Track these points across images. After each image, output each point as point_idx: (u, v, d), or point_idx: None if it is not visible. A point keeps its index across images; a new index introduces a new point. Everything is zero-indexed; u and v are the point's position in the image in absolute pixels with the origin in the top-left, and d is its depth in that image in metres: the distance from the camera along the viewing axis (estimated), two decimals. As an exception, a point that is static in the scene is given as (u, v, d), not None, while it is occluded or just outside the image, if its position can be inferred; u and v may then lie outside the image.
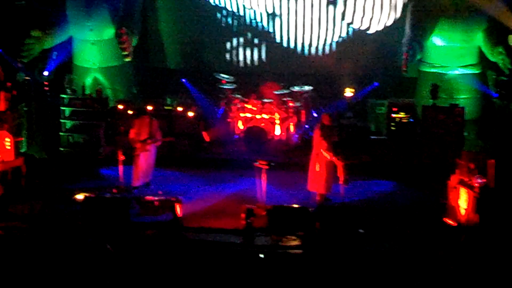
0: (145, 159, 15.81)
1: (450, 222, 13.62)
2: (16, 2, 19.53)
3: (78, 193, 15.27)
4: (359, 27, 20.40)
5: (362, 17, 20.35)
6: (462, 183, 13.54)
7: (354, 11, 20.30)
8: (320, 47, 20.73)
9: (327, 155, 14.84)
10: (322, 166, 14.97)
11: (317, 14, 20.48)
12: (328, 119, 15.19)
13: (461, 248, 12.69)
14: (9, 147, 15.73)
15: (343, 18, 20.39)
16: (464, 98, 19.10)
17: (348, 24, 20.42)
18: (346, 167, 14.84)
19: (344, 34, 20.53)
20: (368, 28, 20.38)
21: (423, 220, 14.10)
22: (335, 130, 15.46)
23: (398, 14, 20.20)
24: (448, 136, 17.62)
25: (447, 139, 17.59)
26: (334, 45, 20.68)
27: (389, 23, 20.31)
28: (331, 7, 20.36)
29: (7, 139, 15.71)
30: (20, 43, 19.02)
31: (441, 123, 17.70)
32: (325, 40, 20.62)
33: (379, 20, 20.31)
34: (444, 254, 12.42)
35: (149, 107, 17.35)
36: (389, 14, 20.27)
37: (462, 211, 13.39)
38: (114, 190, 15.50)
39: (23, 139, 18.06)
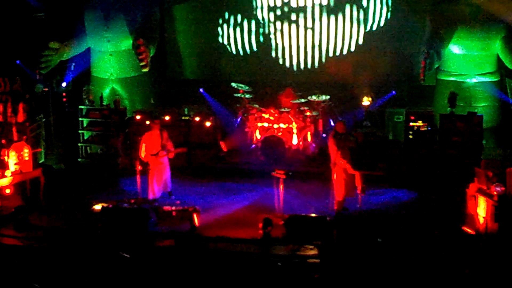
0: (159, 172, 15.79)
1: (469, 230, 13.54)
2: (35, 14, 19.64)
3: (96, 203, 15.30)
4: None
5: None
6: (481, 191, 13.45)
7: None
8: (337, 54, 20.69)
9: (342, 163, 14.82)
10: (339, 174, 14.93)
11: (333, 22, 20.48)
12: (342, 127, 15.16)
13: (480, 256, 12.60)
14: (27, 158, 15.80)
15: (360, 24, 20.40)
16: (482, 106, 19.03)
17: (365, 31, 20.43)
18: (364, 175, 14.81)
19: (360, 42, 20.48)
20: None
21: (441, 228, 14.02)
22: (350, 137, 15.36)
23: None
24: (466, 144, 17.52)
25: (466, 148, 17.49)
26: (351, 53, 20.64)
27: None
28: (347, 13, 20.35)
29: (26, 150, 15.78)
30: (39, 55, 19.17)
31: (459, 132, 17.60)
32: (342, 48, 20.59)
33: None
34: (461, 263, 12.33)
35: (167, 117, 17.39)
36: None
37: (481, 220, 13.30)
38: (132, 201, 15.51)
39: (41, 150, 18.18)
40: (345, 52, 20.67)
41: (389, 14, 20.31)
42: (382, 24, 20.39)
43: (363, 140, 16.44)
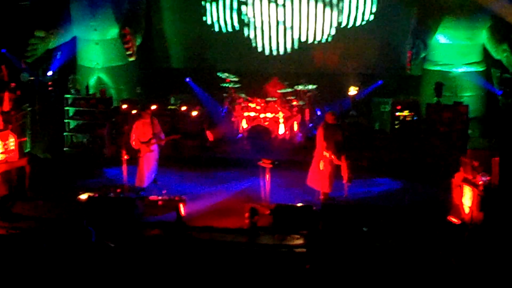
0: (148, 160, 15.78)
1: (454, 220, 13.59)
2: (20, 2, 19.53)
3: (82, 193, 15.28)
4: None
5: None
6: (467, 181, 13.51)
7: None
8: (320, 40, 20.66)
9: (327, 154, 14.84)
10: (326, 165, 14.95)
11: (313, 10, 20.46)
12: (332, 118, 15.17)
13: (465, 246, 12.65)
14: (13, 147, 15.73)
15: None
16: (468, 96, 19.09)
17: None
18: (350, 165, 14.84)
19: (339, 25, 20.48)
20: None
21: (427, 218, 14.06)
22: (339, 129, 15.37)
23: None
24: (452, 134, 17.57)
25: (452, 137, 17.54)
26: (338, 42, 20.62)
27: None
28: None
29: (11, 139, 15.70)
30: (24, 43, 19.06)
31: (445, 121, 17.65)
32: (324, 33, 20.56)
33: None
34: (447, 252, 12.39)
35: (153, 107, 17.35)
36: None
37: (466, 209, 13.36)
38: (118, 190, 15.49)
39: (27, 139, 18.09)
40: (324, 38, 20.60)
41: (373, 6, 20.28)
42: (367, 15, 20.37)
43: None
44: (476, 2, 18.88)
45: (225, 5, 20.95)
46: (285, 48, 20.78)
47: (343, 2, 20.29)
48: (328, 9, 20.36)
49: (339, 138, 15.16)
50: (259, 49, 20.97)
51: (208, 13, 21.11)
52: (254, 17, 20.77)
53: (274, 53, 20.92)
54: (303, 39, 20.65)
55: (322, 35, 20.55)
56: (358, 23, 20.36)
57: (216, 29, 21.10)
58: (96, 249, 11.92)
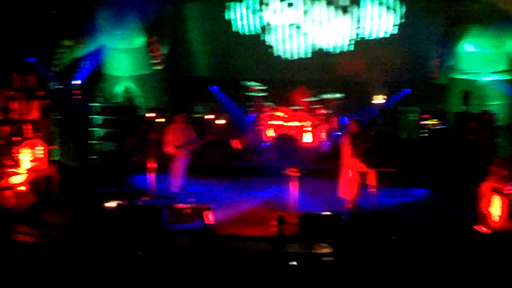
0: (182, 165, 15.80)
1: (483, 229, 13.50)
2: (48, 11, 19.69)
3: (110, 201, 15.34)
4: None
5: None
6: (495, 190, 13.41)
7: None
8: (346, 49, 20.68)
9: (354, 163, 14.80)
10: (354, 173, 14.92)
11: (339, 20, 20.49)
12: (355, 126, 15.14)
13: (494, 255, 12.56)
14: (42, 155, 15.85)
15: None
16: (496, 104, 19.02)
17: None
18: (377, 174, 14.80)
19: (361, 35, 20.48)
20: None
21: (454, 227, 13.99)
22: (365, 136, 15.33)
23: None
24: (480, 142, 17.48)
25: (479, 146, 17.45)
26: (364, 51, 20.62)
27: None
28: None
29: (40, 148, 15.83)
30: (52, 52, 19.22)
31: (473, 130, 17.57)
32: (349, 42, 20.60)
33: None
34: (476, 262, 12.31)
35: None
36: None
37: (495, 218, 13.27)
38: (145, 198, 15.54)
39: (56, 147, 18.22)
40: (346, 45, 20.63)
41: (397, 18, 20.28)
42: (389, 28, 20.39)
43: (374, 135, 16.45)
44: (502, 10, 18.80)
45: (248, 9, 20.99)
46: (306, 54, 20.80)
47: (361, 11, 20.27)
48: (348, 17, 20.37)
49: (365, 146, 15.12)
50: (282, 56, 21.02)
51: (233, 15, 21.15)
52: (276, 23, 20.83)
53: (296, 58, 20.95)
54: (324, 45, 20.67)
55: (343, 43, 20.55)
56: (381, 35, 20.34)
57: (241, 30, 21.11)
58: (124, 256, 11.98)
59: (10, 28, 19.71)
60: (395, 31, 20.32)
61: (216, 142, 18.71)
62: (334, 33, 20.54)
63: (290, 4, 20.68)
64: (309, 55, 20.84)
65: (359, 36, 20.46)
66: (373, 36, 20.44)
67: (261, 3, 20.92)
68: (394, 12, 20.28)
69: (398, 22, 20.24)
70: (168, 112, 19.16)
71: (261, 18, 20.96)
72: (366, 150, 15.06)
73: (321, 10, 20.50)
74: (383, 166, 15.60)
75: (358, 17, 20.36)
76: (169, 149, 15.74)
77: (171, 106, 20.48)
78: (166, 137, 15.84)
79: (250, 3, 21.02)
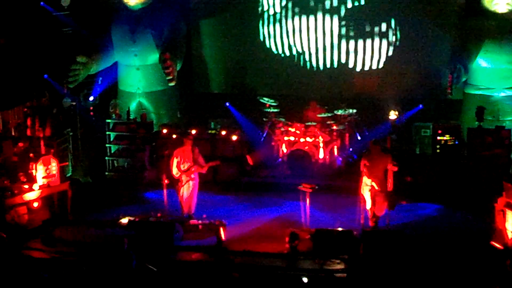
0: (189, 187, 15.62)
1: (497, 245, 13.42)
2: (62, 29, 19.79)
3: (123, 217, 15.37)
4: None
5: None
6: (509, 205, 13.35)
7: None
8: (363, 68, 20.68)
9: (371, 183, 14.68)
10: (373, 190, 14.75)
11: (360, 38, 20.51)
12: (375, 147, 14.97)
13: (509, 271, 12.48)
14: (55, 172, 15.90)
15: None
16: (510, 120, 18.86)
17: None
18: (393, 192, 14.71)
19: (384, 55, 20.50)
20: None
21: (469, 243, 13.91)
22: (385, 157, 15.01)
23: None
24: (494, 158, 17.39)
25: (494, 162, 17.35)
26: (377, 67, 20.61)
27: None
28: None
29: (54, 164, 15.88)
30: (66, 69, 19.27)
31: (487, 146, 17.48)
32: (371, 61, 20.59)
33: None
34: (490, 279, 12.22)
35: (193, 131, 17.40)
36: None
37: (510, 234, 13.19)
38: (158, 214, 15.53)
39: (68, 163, 18.28)
40: (373, 66, 20.65)
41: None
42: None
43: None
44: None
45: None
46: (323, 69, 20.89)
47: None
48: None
49: (386, 166, 14.84)
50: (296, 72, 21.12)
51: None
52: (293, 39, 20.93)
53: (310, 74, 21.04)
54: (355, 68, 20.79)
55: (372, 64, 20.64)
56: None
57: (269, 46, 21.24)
58: (137, 273, 11.97)
59: (25, 45, 19.86)
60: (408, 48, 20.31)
61: (229, 158, 18.76)
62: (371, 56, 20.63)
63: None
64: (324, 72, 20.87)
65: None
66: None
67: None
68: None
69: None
70: (181, 128, 19.18)
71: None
72: (386, 170, 14.82)
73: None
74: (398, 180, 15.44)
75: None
76: (175, 173, 15.61)
77: (184, 122, 20.49)
78: (171, 160, 15.66)
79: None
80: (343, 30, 20.51)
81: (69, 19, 19.85)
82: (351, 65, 20.67)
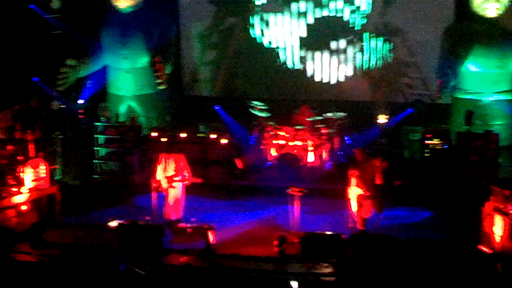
0: (171, 195, 15.39)
1: (485, 249, 13.46)
2: (52, 31, 19.76)
3: (112, 220, 15.33)
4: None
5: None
6: (497, 210, 13.38)
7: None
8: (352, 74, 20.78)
9: (360, 190, 14.68)
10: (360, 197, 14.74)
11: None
12: (360, 155, 14.96)
13: (496, 276, 12.51)
14: (44, 175, 15.85)
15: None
16: (499, 124, 18.92)
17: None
18: (381, 196, 14.72)
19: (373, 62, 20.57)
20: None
21: (457, 247, 13.93)
22: (373, 163, 14.99)
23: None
24: (483, 162, 17.44)
25: (482, 166, 17.41)
26: (367, 71, 20.70)
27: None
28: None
29: (42, 167, 15.83)
30: (56, 72, 19.25)
31: (476, 150, 17.54)
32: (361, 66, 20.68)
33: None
34: (478, 283, 12.25)
35: (182, 135, 17.34)
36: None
37: (497, 238, 13.22)
38: (147, 218, 15.49)
39: (57, 166, 18.23)
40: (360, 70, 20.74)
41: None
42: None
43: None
44: (506, 30, 18.82)
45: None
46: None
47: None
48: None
49: (374, 170, 14.82)
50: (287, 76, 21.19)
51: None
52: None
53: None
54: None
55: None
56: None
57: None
58: (125, 276, 11.94)
59: (15, 48, 19.82)
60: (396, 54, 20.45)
61: (218, 161, 18.75)
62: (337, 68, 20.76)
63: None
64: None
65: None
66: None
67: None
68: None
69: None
70: (170, 132, 19.17)
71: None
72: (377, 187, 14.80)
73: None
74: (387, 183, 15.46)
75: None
76: (158, 179, 15.40)
77: (174, 125, 20.48)
78: (157, 164, 15.54)
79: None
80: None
81: (59, 21, 19.84)
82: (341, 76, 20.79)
